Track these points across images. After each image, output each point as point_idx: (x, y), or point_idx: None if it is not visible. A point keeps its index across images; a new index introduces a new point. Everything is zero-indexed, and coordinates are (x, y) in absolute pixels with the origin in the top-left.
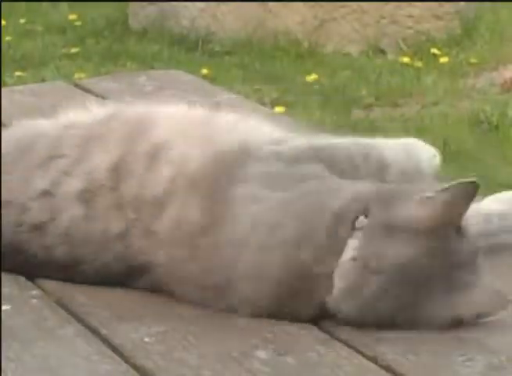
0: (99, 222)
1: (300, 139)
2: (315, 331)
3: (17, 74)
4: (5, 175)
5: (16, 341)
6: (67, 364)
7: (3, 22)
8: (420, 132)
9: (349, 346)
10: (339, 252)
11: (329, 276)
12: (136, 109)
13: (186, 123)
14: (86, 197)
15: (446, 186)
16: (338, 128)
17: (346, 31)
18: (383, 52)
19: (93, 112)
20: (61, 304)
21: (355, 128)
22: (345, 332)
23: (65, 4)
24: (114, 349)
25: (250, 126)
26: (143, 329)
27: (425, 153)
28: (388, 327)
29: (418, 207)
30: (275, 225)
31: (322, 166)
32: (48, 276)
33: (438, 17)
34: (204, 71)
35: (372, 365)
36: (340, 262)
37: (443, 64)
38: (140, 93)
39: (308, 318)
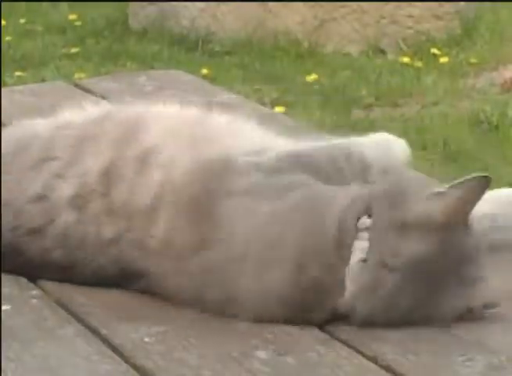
0: (92, 226)
1: (280, 147)
2: (315, 331)
3: (17, 74)
4: (5, 175)
5: (16, 341)
6: (67, 364)
7: (3, 22)
8: (420, 132)
9: (349, 346)
10: (348, 257)
11: (342, 282)
12: (130, 109)
13: (178, 124)
14: (78, 202)
15: (459, 181)
16: (338, 128)
17: (346, 31)
18: (383, 52)
19: (87, 111)
20: (61, 304)
21: (355, 128)
22: (345, 332)
23: (65, 4)
24: (114, 349)
25: (239, 130)
26: (143, 329)
27: (398, 147)
28: (399, 325)
29: (431, 202)
30: (275, 241)
31: (306, 174)
32: (47, 277)
33: (438, 17)
34: (204, 71)
35: (372, 365)
36: (350, 265)
37: (443, 64)
38: (140, 93)
39: (320, 322)
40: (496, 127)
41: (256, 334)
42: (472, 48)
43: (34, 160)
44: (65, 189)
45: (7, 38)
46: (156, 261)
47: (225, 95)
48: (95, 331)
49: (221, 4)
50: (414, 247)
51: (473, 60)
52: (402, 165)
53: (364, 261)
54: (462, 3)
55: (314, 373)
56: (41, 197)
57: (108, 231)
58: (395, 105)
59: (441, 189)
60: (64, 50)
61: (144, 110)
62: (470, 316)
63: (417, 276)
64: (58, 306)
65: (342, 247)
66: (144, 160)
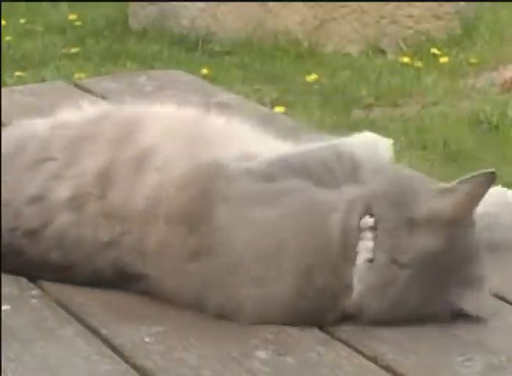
0: (89, 229)
1: (272, 151)
2: (315, 331)
3: (17, 74)
4: (5, 175)
5: (16, 341)
6: (67, 364)
7: (3, 22)
8: (420, 132)
9: (349, 346)
10: (354, 258)
11: (349, 283)
12: (128, 109)
13: (175, 124)
14: (75, 204)
15: (467, 177)
16: (338, 128)
17: (346, 31)
18: (383, 52)
19: (85, 111)
20: (61, 304)
21: (355, 128)
22: (345, 332)
23: (65, 4)
24: (114, 349)
25: (235, 131)
26: (143, 329)
27: (384, 146)
28: (405, 322)
29: (441, 198)
30: (276, 248)
31: (298, 177)
32: (46, 277)
33: (438, 17)
34: (204, 71)
35: (372, 365)
36: (357, 265)
37: (443, 64)
38: (140, 93)
39: (328, 324)
40: (496, 127)
41: (256, 334)
42: (472, 48)
43: (31, 160)
44: (62, 191)
45: (7, 38)
46: (154, 265)
47: (225, 95)
48: (95, 331)
49: (221, 4)
50: (425, 242)
51: (473, 60)
52: (392, 164)
53: (370, 261)
54: (462, 3)
55: (314, 373)
56: (38, 198)
57: (105, 234)
58: (395, 105)
59: (449, 185)
60: (64, 50)
61: (141, 110)
62: (468, 316)
63: (426, 272)
64: (58, 306)
65: (347, 249)
66: (140, 163)
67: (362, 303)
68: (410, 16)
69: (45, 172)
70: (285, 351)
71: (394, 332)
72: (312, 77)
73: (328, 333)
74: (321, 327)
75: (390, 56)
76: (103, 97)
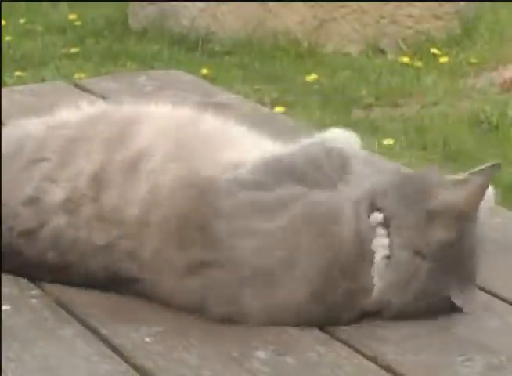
0: (83, 231)
1: (259, 155)
2: (315, 331)
3: (17, 74)
4: (4, 175)
5: (16, 341)
6: (67, 364)
7: (3, 22)
8: (420, 132)
9: (349, 346)
10: (370, 257)
11: (367, 282)
12: (124, 109)
13: (170, 125)
14: (70, 206)
15: (479, 168)
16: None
17: (346, 31)
18: (383, 52)
19: (82, 111)
20: (61, 304)
21: (355, 128)
22: (345, 332)
23: (65, 4)
24: (114, 349)
25: (229, 132)
26: (143, 329)
27: (354, 140)
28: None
29: (455, 190)
30: (287, 259)
31: (286, 179)
32: (45, 278)
33: (437, 17)
34: (204, 71)
35: (372, 365)
36: (375, 263)
37: (443, 64)
38: (140, 93)
39: (347, 324)
40: (496, 127)
41: (256, 334)
42: (472, 48)
43: (28, 160)
44: (57, 193)
45: (7, 38)
46: (151, 271)
47: (225, 95)
48: (95, 331)
49: (221, 4)
50: (442, 234)
51: (473, 60)
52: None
53: (388, 257)
54: (462, 3)
55: (314, 373)
56: (33, 200)
57: (99, 237)
58: (395, 105)
59: (461, 177)
60: (64, 50)
61: (137, 110)
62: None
63: (443, 263)
64: (58, 306)
65: (361, 248)
66: (133, 166)
67: (383, 300)
68: (410, 16)
69: (41, 172)
70: (285, 351)
71: (394, 332)
72: (312, 77)
73: (328, 333)
74: (321, 327)
75: (390, 56)
76: (103, 97)
